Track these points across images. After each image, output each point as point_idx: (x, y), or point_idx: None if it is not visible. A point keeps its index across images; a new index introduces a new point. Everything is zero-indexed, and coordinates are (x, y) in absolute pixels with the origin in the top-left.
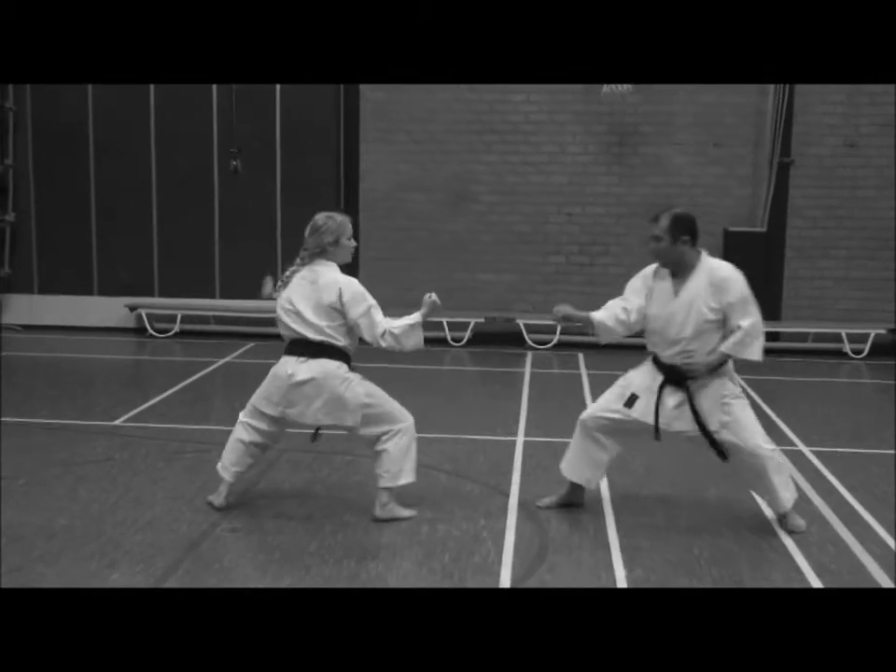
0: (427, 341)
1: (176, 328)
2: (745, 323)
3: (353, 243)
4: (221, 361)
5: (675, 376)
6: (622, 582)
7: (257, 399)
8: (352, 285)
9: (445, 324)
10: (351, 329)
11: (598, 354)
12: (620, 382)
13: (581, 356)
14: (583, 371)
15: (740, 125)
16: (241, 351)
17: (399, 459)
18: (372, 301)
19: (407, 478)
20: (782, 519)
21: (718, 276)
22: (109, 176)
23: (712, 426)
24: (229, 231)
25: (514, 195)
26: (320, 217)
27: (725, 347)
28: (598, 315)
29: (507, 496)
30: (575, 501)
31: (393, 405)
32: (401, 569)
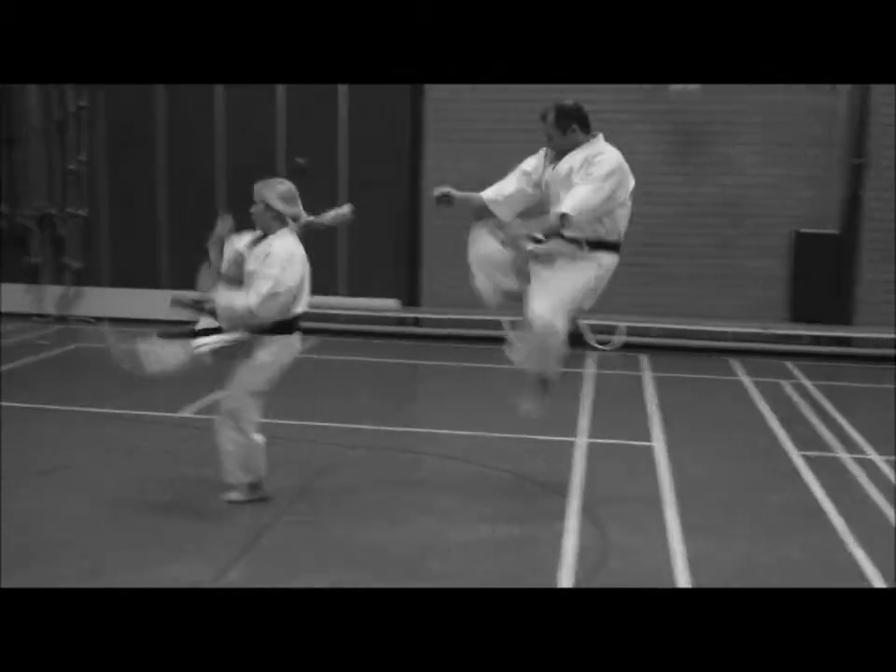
0: (489, 340)
1: None
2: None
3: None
4: None
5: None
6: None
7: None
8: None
9: (506, 323)
10: None
11: (663, 356)
12: None
13: (644, 357)
14: (647, 373)
15: (810, 125)
16: (304, 346)
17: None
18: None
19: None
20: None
21: (593, 152)
22: (178, 173)
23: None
24: None
25: None
26: (288, 184)
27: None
28: (487, 194)
29: (567, 497)
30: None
31: None
32: (459, 568)
